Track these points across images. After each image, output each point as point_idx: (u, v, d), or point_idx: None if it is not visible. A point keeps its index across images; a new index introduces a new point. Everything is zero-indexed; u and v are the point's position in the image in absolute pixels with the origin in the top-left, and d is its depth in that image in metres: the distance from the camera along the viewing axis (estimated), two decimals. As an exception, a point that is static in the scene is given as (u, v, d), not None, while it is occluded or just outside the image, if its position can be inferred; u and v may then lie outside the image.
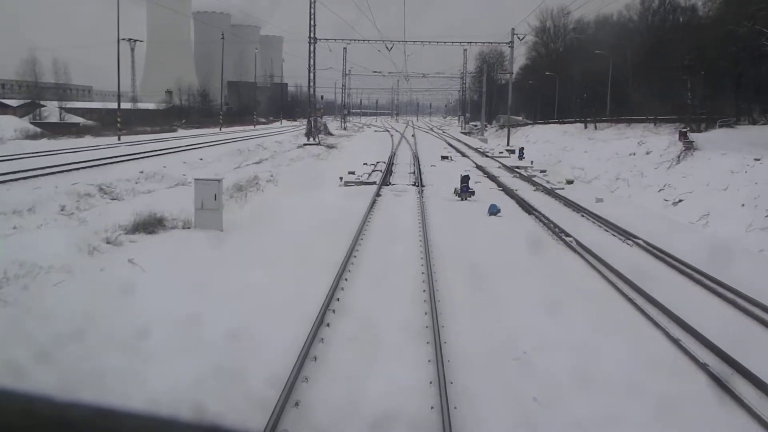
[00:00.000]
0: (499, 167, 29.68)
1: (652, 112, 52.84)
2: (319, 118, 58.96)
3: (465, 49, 77.37)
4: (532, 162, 30.78)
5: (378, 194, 19.24)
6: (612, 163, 34.57)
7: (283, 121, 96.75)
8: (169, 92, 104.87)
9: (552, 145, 48.67)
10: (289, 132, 60.40)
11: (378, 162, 30.14)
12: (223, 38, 64.05)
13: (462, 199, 18.51)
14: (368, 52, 79.76)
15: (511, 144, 54.46)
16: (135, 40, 79.45)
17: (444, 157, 32.92)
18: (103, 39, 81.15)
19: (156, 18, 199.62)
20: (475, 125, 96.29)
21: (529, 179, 24.40)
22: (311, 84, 42.80)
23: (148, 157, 31.54)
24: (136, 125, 68.73)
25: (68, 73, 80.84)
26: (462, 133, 75.91)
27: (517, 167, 29.18)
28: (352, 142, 48.67)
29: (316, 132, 49.14)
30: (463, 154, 37.72)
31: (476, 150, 41.98)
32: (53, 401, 1.06)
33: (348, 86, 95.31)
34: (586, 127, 53.38)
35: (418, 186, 21.71)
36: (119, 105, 44.71)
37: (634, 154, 34.05)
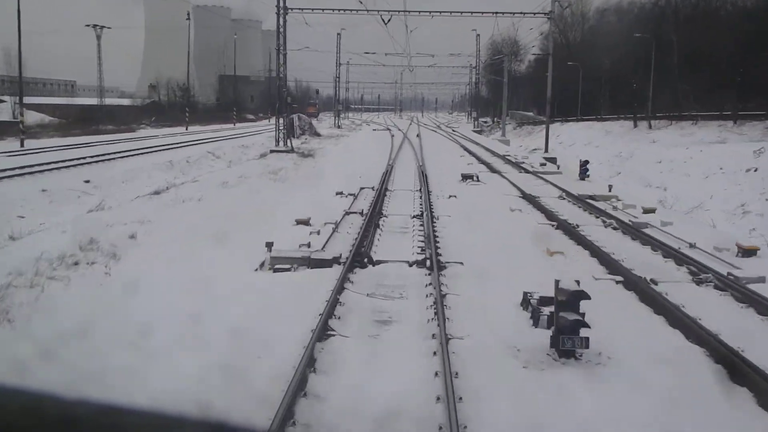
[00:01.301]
0: (561, 197, 17.28)
1: (716, 106, 40.43)
2: (301, 115, 46.82)
3: (478, 35, 64.79)
4: (610, 188, 18.33)
5: (331, 318, 7.02)
6: (717, 182, 22.21)
7: (274, 118, 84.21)
8: (152, 86, 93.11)
9: (598, 150, 36.17)
10: (271, 131, 48.13)
11: (362, 188, 17.88)
12: (189, 19, 51.85)
13: (563, 354, 6.24)
14: (368, 42, 67.93)
15: (539, 146, 42.16)
16: (101, 27, 67.18)
17: (466, 177, 20.54)
18: (65, 26, 68.37)
19: (154, 13, 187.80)
20: (485, 122, 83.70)
21: (649, 238, 11.93)
22: (281, 69, 30.43)
23: (12, 176, 19.59)
24: (97, 123, 57.16)
25: (24, 64, 68.80)
26: (474, 131, 63.40)
27: (591, 197, 16.88)
28: (339, 147, 36.33)
29: (289, 134, 37.11)
30: (491, 167, 25.32)
31: (504, 158, 29.58)
32: (59, 399, 1.01)
33: (347, 79, 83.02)
34: (635, 125, 41.00)
35: (430, 267, 9.43)
36: (21, 100, 32.52)
37: (756, 170, 21.60)
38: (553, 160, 30.09)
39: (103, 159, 26.19)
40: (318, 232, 11.78)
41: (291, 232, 12.00)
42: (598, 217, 14.15)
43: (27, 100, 70.36)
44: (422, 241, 11.44)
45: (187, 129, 50.90)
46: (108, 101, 76.10)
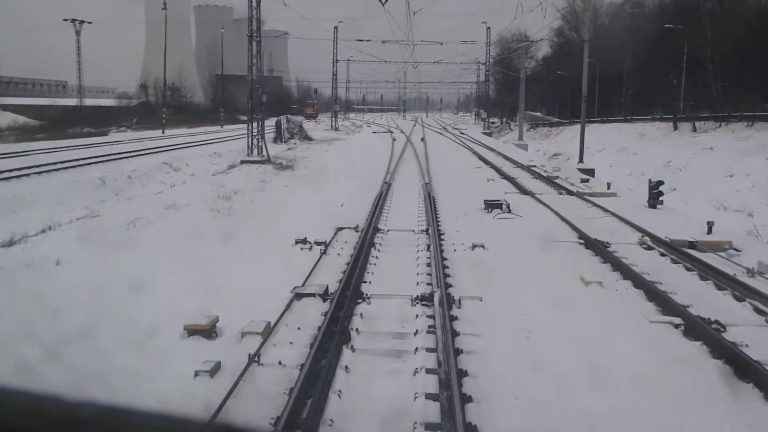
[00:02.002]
0: (644, 245, 10.94)
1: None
2: (290, 116, 40.75)
3: (488, 27, 58.66)
4: (711, 227, 11.98)
5: None
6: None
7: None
8: (143, 86, 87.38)
9: (637, 158, 29.86)
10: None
11: (340, 229, 11.70)
12: (165, 7, 45.72)
13: None
14: (369, 39, 62.26)
15: (560, 151, 35.99)
16: (81, 21, 61.09)
17: (492, 205, 14.19)
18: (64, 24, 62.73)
19: (155, 12, 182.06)
20: (493, 122, 77.35)
21: None
22: (253, 62, 24.18)
23: None
24: (75, 126, 51.69)
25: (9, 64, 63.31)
26: (484, 133, 57.10)
27: (692, 246, 10.65)
28: (329, 155, 30.15)
29: (276, 139, 31.31)
30: (518, 186, 19.04)
31: (529, 170, 23.33)
32: (63, 401, 0.98)
33: (347, 78, 77.00)
34: (676, 127, 34.62)
35: None
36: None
37: None
38: (590, 173, 23.88)
39: (18, 174, 20.13)
40: (215, 369, 5.56)
41: (171, 358, 5.81)
42: (742, 301, 7.86)
43: (6, 101, 64.73)
44: (433, 370, 5.21)
45: (163, 132, 44.85)
46: (92, 102, 70.42)
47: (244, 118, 77.85)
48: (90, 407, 0.97)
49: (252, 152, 24.81)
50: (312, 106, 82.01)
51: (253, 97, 24.42)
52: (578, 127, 48.86)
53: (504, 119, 79.17)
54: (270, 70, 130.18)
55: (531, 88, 79.33)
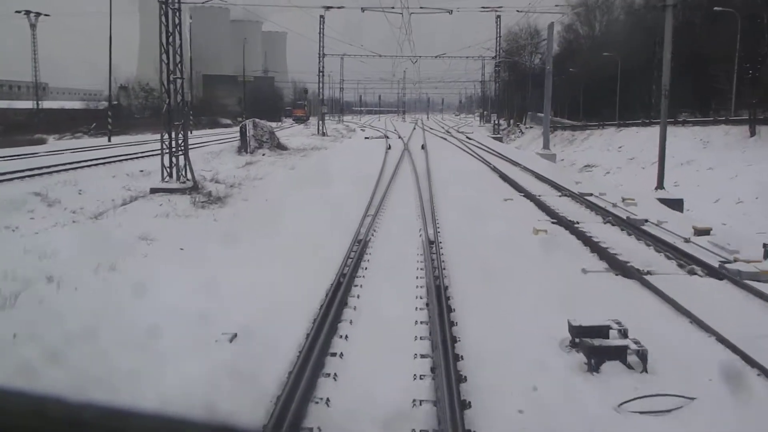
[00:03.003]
0: None
1: None
2: (258, 121, 32.21)
3: (498, 15, 50.18)
4: None
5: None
6: None
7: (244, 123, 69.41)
8: (122, 87, 79.05)
9: (715, 176, 21.28)
10: (229, 141, 33.49)
11: None
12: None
13: None
14: (368, 37, 54.50)
15: (594, 162, 27.61)
16: (37, 14, 52.61)
17: (594, 349, 5.55)
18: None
19: (150, 10, 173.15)
20: (499, 125, 68.82)
21: None
22: (169, 41, 15.71)
23: None
24: (24, 131, 43.85)
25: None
26: (493, 137, 48.50)
27: None
28: (296, 173, 21.60)
29: (243, 147, 23.41)
30: (594, 246, 10.44)
31: (585, 203, 14.78)
32: (65, 402, 0.97)
33: (341, 77, 68.51)
34: (753, 133, 25.95)
35: None
36: None
37: None
38: (677, 205, 15.36)
39: None
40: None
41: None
42: None
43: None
44: None
45: (109, 140, 36.37)
46: (57, 105, 62.14)
47: (226, 121, 68.78)
48: (90, 408, 0.94)
49: (171, 175, 16.22)
50: (302, 107, 73.24)
51: (171, 94, 15.84)
52: (610, 131, 40.20)
53: (512, 121, 70.65)
54: (265, 70, 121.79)
55: (537, 88, 70.84)
